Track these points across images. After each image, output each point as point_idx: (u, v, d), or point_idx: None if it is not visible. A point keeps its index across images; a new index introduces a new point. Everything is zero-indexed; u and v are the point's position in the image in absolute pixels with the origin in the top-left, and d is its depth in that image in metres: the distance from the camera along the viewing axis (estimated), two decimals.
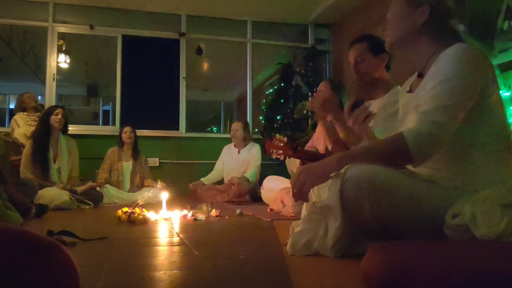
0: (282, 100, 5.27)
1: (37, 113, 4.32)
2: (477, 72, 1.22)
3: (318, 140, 2.65)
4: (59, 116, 3.77)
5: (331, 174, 1.23)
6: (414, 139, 1.18)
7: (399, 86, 2.11)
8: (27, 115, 4.37)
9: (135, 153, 4.45)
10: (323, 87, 2.73)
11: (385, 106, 2.08)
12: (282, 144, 2.03)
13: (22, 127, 4.25)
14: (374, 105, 2.18)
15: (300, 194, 1.25)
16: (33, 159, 3.64)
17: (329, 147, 2.14)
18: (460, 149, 1.26)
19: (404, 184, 1.20)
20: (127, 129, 4.43)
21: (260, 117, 5.60)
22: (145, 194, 3.39)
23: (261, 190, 3.74)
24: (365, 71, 2.14)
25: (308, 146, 2.90)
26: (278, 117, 5.24)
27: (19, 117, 4.36)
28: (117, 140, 4.47)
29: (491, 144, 1.26)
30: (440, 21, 1.36)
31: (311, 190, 1.46)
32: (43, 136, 3.73)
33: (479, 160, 1.25)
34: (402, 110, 1.49)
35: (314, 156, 2.04)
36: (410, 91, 1.47)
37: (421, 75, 1.39)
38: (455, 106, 1.19)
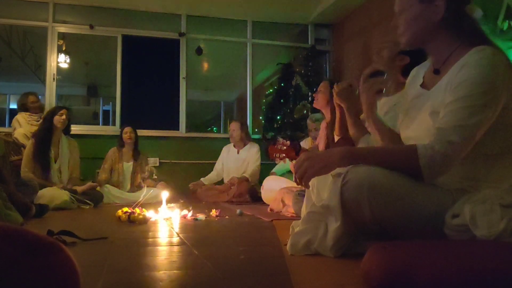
0: (282, 100, 5.27)
1: (39, 113, 4.33)
2: (502, 87, 1.15)
3: (320, 140, 2.66)
4: (63, 116, 3.80)
5: (332, 173, 1.22)
6: (428, 160, 1.14)
7: None
8: (29, 115, 4.38)
9: (136, 154, 4.42)
10: (323, 88, 2.74)
11: (395, 105, 2.05)
12: (285, 147, 2.03)
13: (24, 126, 4.26)
14: (381, 102, 2.15)
15: (302, 180, 1.25)
16: (34, 158, 3.66)
17: (336, 139, 2.12)
18: (474, 159, 1.21)
19: (405, 187, 1.18)
20: (127, 129, 4.41)
21: (260, 117, 5.60)
22: (145, 191, 3.38)
23: (261, 190, 3.75)
24: (382, 58, 2.05)
25: (313, 146, 2.89)
26: (278, 117, 5.25)
27: (21, 117, 4.36)
28: (118, 140, 4.45)
29: (507, 153, 1.22)
30: (458, 13, 1.26)
31: (311, 188, 1.46)
32: (45, 136, 3.75)
33: (491, 169, 1.22)
34: (410, 103, 1.40)
35: (312, 151, 2.03)
36: (423, 84, 1.39)
37: (437, 72, 1.31)
38: (475, 126, 1.13)
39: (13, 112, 8.13)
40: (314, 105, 2.79)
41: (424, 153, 1.15)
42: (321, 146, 2.53)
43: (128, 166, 4.37)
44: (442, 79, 1.26)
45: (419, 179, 1.18)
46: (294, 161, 2.20)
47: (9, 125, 4.83)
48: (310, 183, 1.37)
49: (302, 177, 1.25)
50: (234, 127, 4.63)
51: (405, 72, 2.04)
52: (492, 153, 1.21)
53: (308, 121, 3.90)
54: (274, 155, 2.09)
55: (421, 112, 1.31)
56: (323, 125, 2.69)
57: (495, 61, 1.16)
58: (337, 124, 2.13)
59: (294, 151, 2.02)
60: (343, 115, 1.99)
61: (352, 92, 1.95)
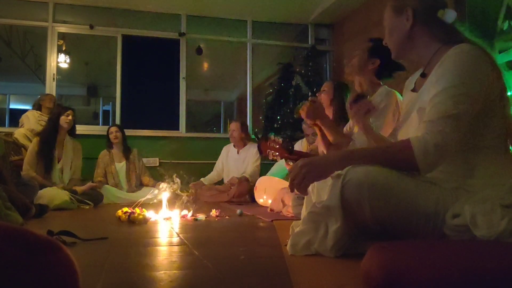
0: (282, 100, 5.27)
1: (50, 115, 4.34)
2: (482, 76, 1.20)
3: (318, 141, 2.65)
4: (70, 117, 3.83)
5: (332, 175, 1.22)
6: (422, 150, 1.16)
7: (385, 86, 2.16)
8: (40, 114, 4.39)
9: (126, 153, 4.37)
10: (326, 88, 2.75)
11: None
12: (277, 146, 2.03)
13: (33, 124, 4.26)
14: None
15: (300, 187, 1.25)
16: (38, 157, 3.69)
17: (325, 151, 2.16)
18: (466, 153, 1.24)
19: (405, 187, 1.19)
20: (112, 129, 4.37)
21: (260, 117, 5.60)
22: (147, 193, 3.38)
23: (254, 191, 3.72)
24: (353, 66, 2.21)
25: (311, 150, 2.90)
26: (278, 117, 5.24)
27: (31, 114, 4.37)
28: (106, 141, 4.41)
29: (496, 146, 1.25)
30: (427, 18, 1.35)
31: (311, 189, 1.45)
32: (50, 135, 3.78)
33: (483, 163, 1.23)
34: (405, 108, 1.48)
35: (309, 157, 2.03)
36: (414, 89, 1.45)
37: (424, 75, 1.38)
38: (461, 115, 1.17)
39: (13, 112, 8.15)
40: None
41: (417, 144, 1.17)
42: (321, 148, 2.52)
43: (120, 166, 4.34)
44: (428, 80, 1.32)
45: (416, 172, 1.20)
46: (289, 161, 2.22)
47: (9, 125, 4.83)
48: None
49: (301, 184, 1.24)
50: (234, 127, 4.63)
51: (379, 72, 2.18)
52: (482, 145, 1.24)
53: (305, 125, 3.75)
54: (267, 152, 2.10)
55: (413, 114, 1.37)
56: (316, 130, 2.69)
57: (472, 53, 1.21)
58: (320, 143, 2.20)
59: (287, 151, 2.03)
60: (322, 133, 2.12)
61: (318, 107, 2.06)
